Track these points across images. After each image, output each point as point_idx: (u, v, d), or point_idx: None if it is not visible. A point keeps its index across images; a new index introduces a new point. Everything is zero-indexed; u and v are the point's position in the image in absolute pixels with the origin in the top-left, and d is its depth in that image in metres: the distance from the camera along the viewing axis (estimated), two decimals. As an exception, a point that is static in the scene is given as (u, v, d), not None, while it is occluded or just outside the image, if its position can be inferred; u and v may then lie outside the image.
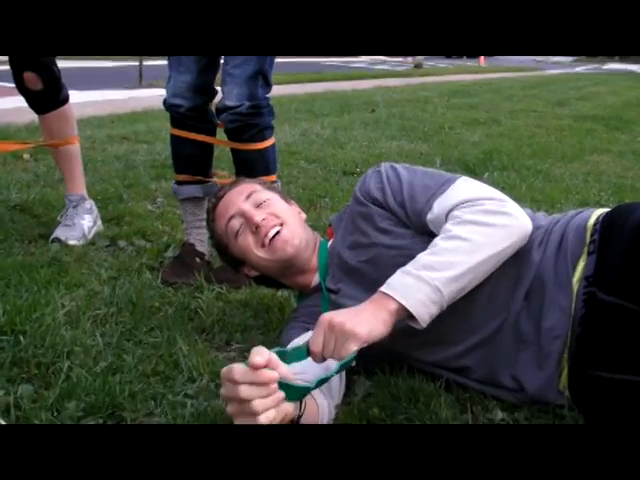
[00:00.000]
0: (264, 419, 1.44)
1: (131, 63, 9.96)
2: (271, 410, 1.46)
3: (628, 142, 7.42)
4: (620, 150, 6.79)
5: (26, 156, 5.10)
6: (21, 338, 2.29)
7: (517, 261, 1.97)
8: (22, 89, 3.44)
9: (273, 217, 2.17)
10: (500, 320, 1.98)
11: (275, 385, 1.46)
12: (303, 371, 1.78)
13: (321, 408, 1.80)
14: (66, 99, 3.58)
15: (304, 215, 2.38)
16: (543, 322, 1.93)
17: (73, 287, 2.80)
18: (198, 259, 3.05)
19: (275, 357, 1.50)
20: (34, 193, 4.15)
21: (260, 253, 2.18)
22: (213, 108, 3.06)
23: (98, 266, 3.07)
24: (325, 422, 1.82)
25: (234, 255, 2.27)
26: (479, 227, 1.89)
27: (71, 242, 3.38)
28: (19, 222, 3.64)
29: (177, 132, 3.11)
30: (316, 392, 1.79)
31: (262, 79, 2.97)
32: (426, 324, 1.79)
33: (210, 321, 2.54)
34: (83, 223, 3.55)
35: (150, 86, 10.85)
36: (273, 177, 3.14)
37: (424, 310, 1.77)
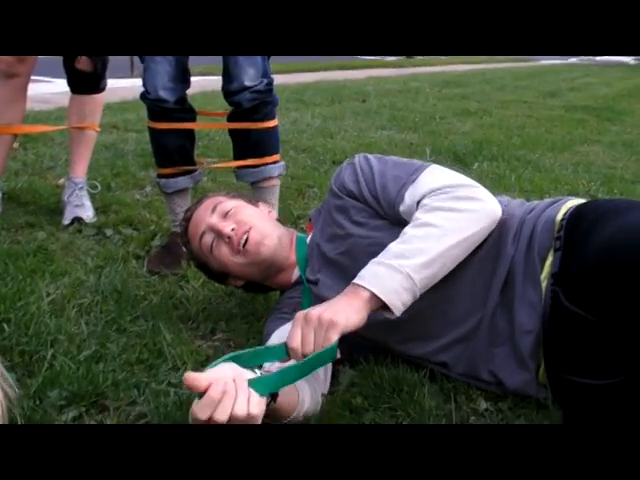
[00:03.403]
0: (254, 410, 1.43)
1: (122, 52, 9.90)
2: (252, 401, 1.44)
3: (618, 133, 7.41)
4: (610, 141, 6.78)
5: (15, 145, 5.05)
6: (5, 326, 2.29)
7: (493, 255, 1.97)
8: (70, 68, 3.60)
9: (241, 224, 2.18)
10: (479, 316, 1.98)
11: (231, 385, 1.42)
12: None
13: (301, 392, 1.80)
14: (105, 87, 3.76)
15: (274, 213, 2.41)
16: (515, 317, 1.94)
17: (59, 276, 2.79)
18: (184, 248, 3.04)
19: (217, 371, 1.48)
20: (22, 181, 4.14)
21: (237, 260, 2.19)
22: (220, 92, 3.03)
23: (84, 255, 3.06)
24: (307, 407, 1.82)
25: (215, 269, 2.28)
26: (447, 213, 1.89)
27: (88, 221, 3.54)
28: (6, 210, 3.63)
29: (162, 125, 3.05)
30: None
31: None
32: (400, 312, 1.80)
33: (195, 310, 2.54)
34: (89, 204, 3.67)
35: (141, 75, 10.82)
36: (278, 156, 3.18)
37: (396, 298, 1.77)
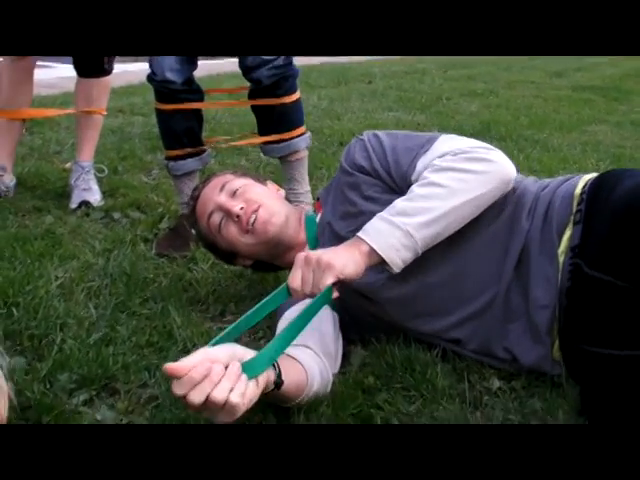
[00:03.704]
0: (235, 398, 1.38)
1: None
2: (236, 388, 1.40)
3: (626, 112, 7.36)
4: (618, 120, 6.74)
5: (21, 129, 5.06)
6: (14, 310, 2.29)
7: (507, 230, 1.96)
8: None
9: (250, 202, 2.16)
10: (492, 292, 1.97)
11: (217, 370, 1.39)
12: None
13: (309, 371, 1.79)
14: (111, 70, 3.74)
15: (282, 192, 2.39)
16: (530, 292, 1.93)
17: (67, 259, 2.78)
18: (192, 229, 3.02)
19: (210, 353, 1.43)
20: (29, 166, 4.12)
21: (245, 239, 2.18)
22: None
23: (92, 238, 3.05)
24: (316, 387, 1.81)
25: (223, 249, 2.27)
26: (456, 173, 1.89)
27: (96, 204, 3.53)
28: (13, 195, 3.62)
29: (170, 106, 3.04)
30: (302, 356, 1.81)
31: None
32: (399, 269, 1.82)
33: (204, 292, 2.53)
34: (96, 188, 3.66)
35: (146, 59, 10.80)
36: (304, 128, 3.18)
37: (395, 254, 1.79)
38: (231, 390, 1.38)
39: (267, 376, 1.52)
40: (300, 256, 1.77)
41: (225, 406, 1.38)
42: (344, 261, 1.74)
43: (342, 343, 2.06)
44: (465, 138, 2.05)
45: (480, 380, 2.00)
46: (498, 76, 10.72)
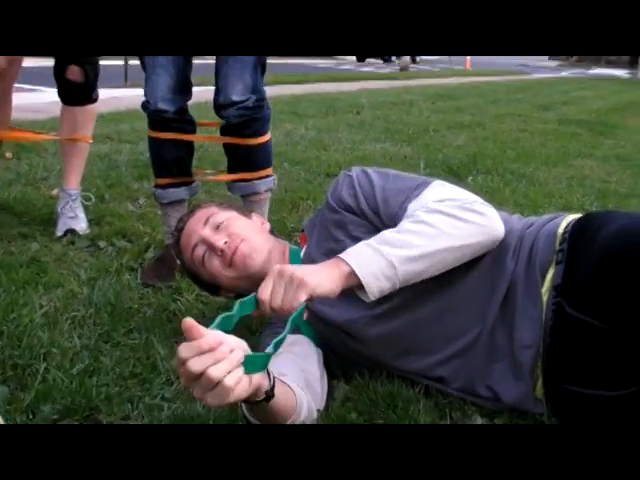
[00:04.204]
0: (229, 382, 1.38)
1: (115, 62, 9.90)
2: (233, 374, 1.39)
3: (612, 147, 7.43)
4: (604, 155, 6.80)
5: (8, 154, 5.05)
6: (-3, 338, 2.27)
7: (493, 269, 1.97)
8: (60, 78, 3.55)
9: (233, 237, 2.16)
10: (477, 331, 1.98)
11: (224, 349, 1.39)
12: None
13: (299, 398, 1.77)
14: (97, 98, 3.70)
15: (267, 225, 2.38)
16: (515, 332, 1.93)
17: (52, 287, 2.77)
18: (179, 261, 3.02)
19: (221, 334, 1.44)
20: (15, 192, 4.11)
21: (228, 273, 2.17)
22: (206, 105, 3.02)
23: (77, 267, 3.04)
24: (304, 416, 1.79)
25: (207, 281, 2.27)
26: (449, 218, 1.89)
27: (82, 232, 3.51)
28: (-2, 220, 3.61)
29: (162, 135, 3.05)
30: (293, 385, 1.79)
31: (261, 68, 2.96)
32: (374, 298, 1.81)
33: (189, 323, 2.51)
34: (83, 216, 3.64)
35: (134, 86, 10.80)
36: (270, 170, 3.16)
37: (374, 282, 1.78)
38: (229, 372, 1.39)
39: (260, 381, 1.51)
40: (274, 268, 1.76)
41: (217, 386, 1.38)
42: (318, 280, 1.73)
43: (326, 381, 2.06)
44: (458, 188, 2.06)
45: (462, 417, 2.00)
46: (485, 108, 10.80)
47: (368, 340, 2.04)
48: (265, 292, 1.73)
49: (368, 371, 2.12)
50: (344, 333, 2.08)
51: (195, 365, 1.36)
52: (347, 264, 1.78)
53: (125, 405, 2.00)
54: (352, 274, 1.78)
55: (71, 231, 3.48)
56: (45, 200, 3.98)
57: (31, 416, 1.91)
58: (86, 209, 3.70)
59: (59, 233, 3.47)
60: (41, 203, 3.94)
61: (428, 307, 1.97)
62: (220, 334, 1.44)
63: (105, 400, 2.01)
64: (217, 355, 1.38)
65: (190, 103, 3.06)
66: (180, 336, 2.39)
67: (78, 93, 3.60)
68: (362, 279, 1.77)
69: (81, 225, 3.56)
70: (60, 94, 3.64)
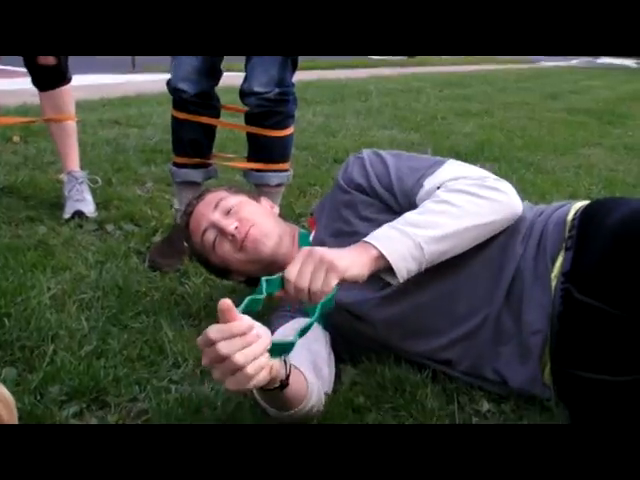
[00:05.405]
0: (251, 369, 1.39)
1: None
2: (257, 361, 1.40)
3: (620, 136, 7.40)
4: (612, 144, 6.77)
5: (16, 138, 5.06)
6: (5, 321, 2.28)
7: (501, 253, 1.97)
8: (32, 65, 3.54)
9: (244, 221, 2.16)
10: (483, 314, 1.98)
11: (253, 334, 1.41)
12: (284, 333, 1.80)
13: (310, 386, 1.77)
14: (71, 78, 3.71)
15: (277, 209, 2.39)
16: (523, 316, 1.93)
17: (59, 270, 2.78)
18: (187, 244, 3.02)
19: (250, 319, 1.44)
20: (23, 175, 4.13)
21: (239, 257, 2.17)
22: (238, 90, 3.02)
23: (85, 250, 3.05)
24: (313, 402, 1.79)
25: (217, 265, 2.27)
26: (470, 196, 1.89)
27: (90, 215, 3.52)
28: (7, 204, 3.61)
29: (180, 115, 3.08)
30: (307, 371, 1.79)
31: (291, 62, 2.96)
32: (403, 279, 1.80)
33: (196, 307, 2.53)
34: (90, 199, 3.65)
35: (143, 71, 10.82)
36: (286, 165, 3.17)
37: (403, 264, 1.77)
38: (254, 359, 1.40)
39: (279, 369, 1.51)
40: (304, 250, 1.73)
41: (239, 372, 1.39)
42: (348, 263, 1.70)
43: (334, 363, 2.06)
44: (473, 166, 2.06)
45: (470, 402, 2.00)
46: (493, 96, 10.77)
47: (375, 322, 2.04)
48: (292, 272, 1.70)
49: (375, 355, 2.12)
50: (352, 315, 2.08)
51: (224, 348, 1.37)
52: (375, 247, 1.76)
53: (133, 387, 2.01)
54: (380, 257, 1.76)
55: (79, 213, 3.48)
56: (52, 184, 3.99)
57: (39, 397, 1.92)
58: (93, 192, 3.70)
59: (67, 215, 3.48)
60: (49, 187, 3.94)
61: (432, 290, 1.97)
62: (250, 320, 1.44)
63: (113, 382, 2.01)
64: (247, 340, 1.39)
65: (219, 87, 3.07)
66: (188, 319, 2.42)
67: (53, 76, 3.61)
68: (391, 261, 1.76)
69: (89, 208, 3.56)
70: (35, 82, 3.65)
